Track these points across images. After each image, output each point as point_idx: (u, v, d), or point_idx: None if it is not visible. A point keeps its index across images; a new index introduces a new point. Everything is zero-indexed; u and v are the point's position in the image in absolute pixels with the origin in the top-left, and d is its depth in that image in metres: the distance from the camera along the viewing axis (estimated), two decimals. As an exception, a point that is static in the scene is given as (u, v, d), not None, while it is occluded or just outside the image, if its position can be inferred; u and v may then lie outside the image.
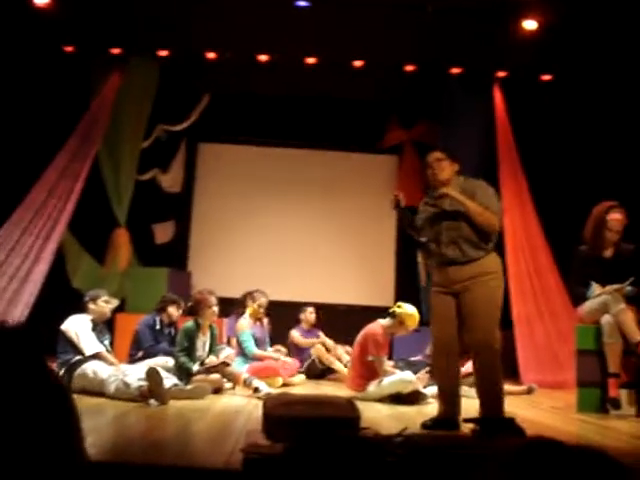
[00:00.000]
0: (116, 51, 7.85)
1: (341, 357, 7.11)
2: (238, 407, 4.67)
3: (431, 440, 2.53)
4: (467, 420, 3.25)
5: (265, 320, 6.86)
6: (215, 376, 5.36)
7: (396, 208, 4.17)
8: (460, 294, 3.83)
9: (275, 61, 7.80)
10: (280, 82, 8.32)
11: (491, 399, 3.77)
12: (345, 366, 6.79)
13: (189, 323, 5.62)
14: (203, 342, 5.64)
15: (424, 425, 3.77)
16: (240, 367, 5.96)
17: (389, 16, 6.82)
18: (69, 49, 7.80)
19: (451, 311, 3.87)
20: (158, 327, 6.02)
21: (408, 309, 5.61)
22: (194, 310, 5.67)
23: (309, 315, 7.55)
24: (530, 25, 6.80)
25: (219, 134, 9.37)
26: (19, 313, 6.81)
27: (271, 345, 6.89)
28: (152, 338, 5.94)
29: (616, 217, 5.07)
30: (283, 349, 7.01)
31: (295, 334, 7.42)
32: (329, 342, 7.28)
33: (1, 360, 0.71)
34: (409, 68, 7.95)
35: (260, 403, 4.68)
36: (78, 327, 5.44)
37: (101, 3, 6.82)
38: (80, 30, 7.42)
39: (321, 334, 7.54)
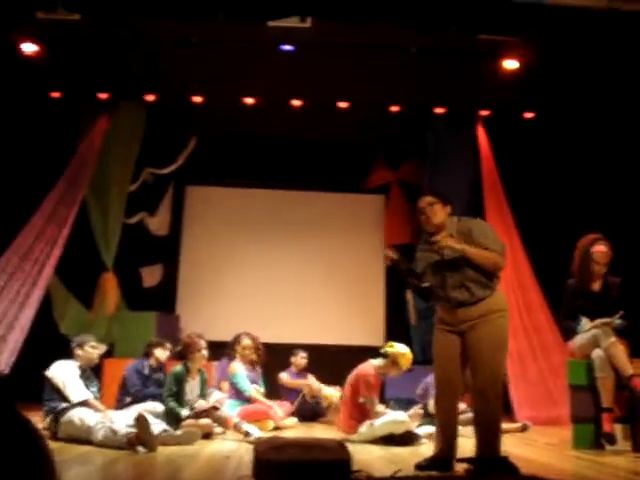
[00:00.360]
0: (103, 96, 7.92)
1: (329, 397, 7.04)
2: (229, 452, 4.58)
3: (425, 481, 2.48)
4: (461, 460, 3.20)
5: (258, 367, 6.76)
6: (205, 421, 5.27)
7: (392, 263, 4.11)
8: (466, 333, 3.79)
9: (261, 104, 7.90)
10: (266, 124, 8.40)
11: (490, 438, 3.73)
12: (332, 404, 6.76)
13: (178, 367, 5.54)
14: (192, 386, 5.56)
15: (418, 466, 3.71)
16: (231, 411, 5.86)
17: (373, 58, 6.93)
18: (56, 95, 7.86)
19: (455, 350, 3.82)
20: (147, 372, 5.93)
21: (400, 349, 5.56)
22: (183, 354, 5.60)
23: (300, 359, 7.48)
24: (511, 65, 6.93)
25: (206, 176, 9.41)
26: (5, 360, 6.70)
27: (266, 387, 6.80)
28: (140, 383, 5.85)
29: (601, 249, 5.10)
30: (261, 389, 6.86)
31: (284, 376, 7.34)
32: (316, 384, 7.18)
33: None
34: (394, 109, 8.06)
35: (251, 447, 4.62)
36: (65, 374, 5.35)
37: (89, 50, 6.88)
38: (67, 76, 7.48)
39: (310, 376, 7.48)
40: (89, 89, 7.82)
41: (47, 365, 5.84)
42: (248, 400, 6.25)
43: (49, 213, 7.42)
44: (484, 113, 8.17)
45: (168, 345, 6.07)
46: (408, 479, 2.46)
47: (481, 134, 8.16)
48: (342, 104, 7.95)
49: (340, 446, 2.67)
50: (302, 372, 7.48)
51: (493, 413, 3.72)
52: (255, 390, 6.45)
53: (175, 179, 9.24)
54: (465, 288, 3.78)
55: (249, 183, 9.51)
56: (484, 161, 8.05)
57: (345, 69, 7.11)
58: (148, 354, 6.06)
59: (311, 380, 7.30)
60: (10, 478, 0.67)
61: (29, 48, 6.80)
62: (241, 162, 9.19)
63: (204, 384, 5.67)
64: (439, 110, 8.17)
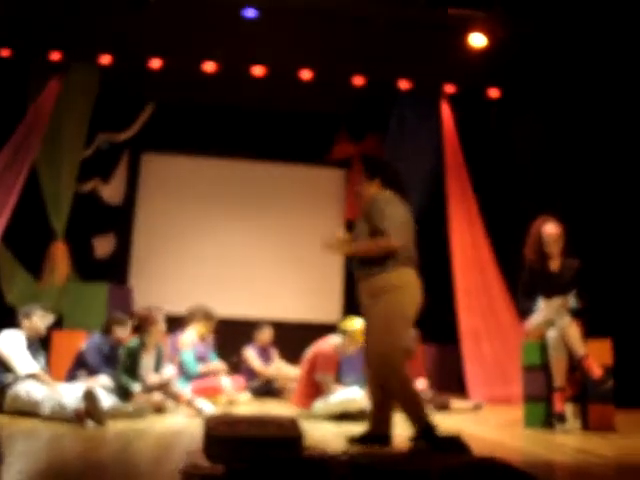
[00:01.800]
0: (56, 56, 7.58)
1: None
2: (180, 427, 4.52)
3: (375, 458, 2.46)
4: (414, 438, 3.19)
5: (209, 339, 6.65)
6: (157, 396, 5.14)
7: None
8: (367, 309, 3.79)
9: (221, 71, 7.67)
10: (227, 93, 8.23)
11: (382, 416, 3.76)
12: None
13: (133, 341, 5.39)
14: (147, 361, 5.40)
15: (353, 440, 3.71)
16: (183, 386, 5.75)
17: (339, 28, 6.82)
18: (5, 53, 7.50)
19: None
20: (106, 350, 5.68)
21: (357, 324, 5.51)
22: (139, 328, 5.44)
23: (264, 335, 7.41)
24: (478, 40, 6.87)
25: (163, 145, 9.16)
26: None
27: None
28: (99, 359, 5.61)
29: (550, 230, 5.13)
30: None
31: (251, 353, 7.26)
32: (284, 369, 7.12)
33: None
34: (358, 81, 7.92)
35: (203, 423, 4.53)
36: (11, 345, 5.15)
37: (40, 6, 6.57)
38: (17, 33, 7.16)
39: (273, 351, 7.44)
40: (40, 48, 7.50)
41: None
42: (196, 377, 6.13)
43: (-4, 178, 7.12)
44: (450, 89, 8.09)
45: (128, 322, 5.83)
46: (359, 456, 2.42)
47: (445, 110, 8.10)
48: (305, 73, 7.78)
49: (292, 423, 2.61)
50: (266, 347, 7.42)
51: (394, 391, 3.67)
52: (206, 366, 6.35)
53: (131, 146, 8.98)
54: (360, 263, 3.76)
55: (208, 152, 9.31)
56: (447, 138, 8.01)
57: (310, 37, 6.99)
58: (108, 330, 5.82)
59: (277, 364, 7.28)
60: None
61: (-23, 2, 6.46)
62: (200, 131, 8.98)
63: (160, 359, 5.53)
64: (404, 84, 8.06)
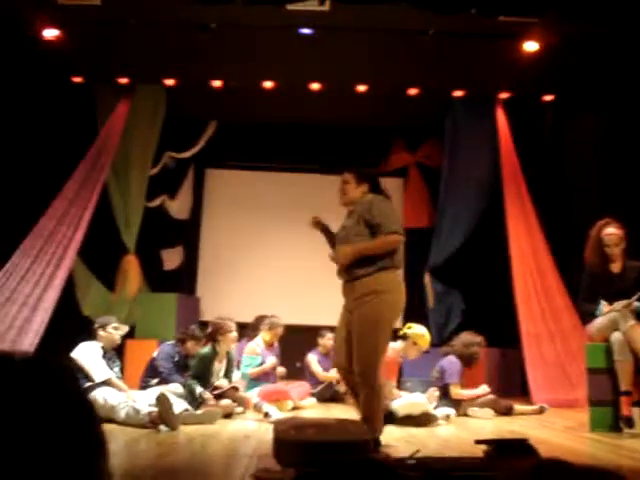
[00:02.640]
0: (123, 80, 7.97)
1: None
2: (248, 432, 4.66)
3: (444, 463, 2.51)
4: (479, 442, 3.24)
5: (275, 347, 6.85)
6: (226, 401, 5.36)
7: (316, 227, 4.23)
8: (352, 312, 3.82)
9: (280, 88, 7.90)
10: (285, 109, 8.42)
11: (368, 418, 3.70)
12: None
13: (206, 349, 5.62)
14: (219, 369, 5.65)
15: None
16: (250, 391, 5.96)
17: (391, 41, 6.90)
18: (77, 79, 7.94)
19: (344, 328, 3.88)
20: (177, 359, 5.96)
21: (419, 330, 5.62)
22: (212, 336, 5.69)
23: (327, 341, 7.54)
24: (531, 46, 6.87)
25: (226, 160, 9.46)
26: (30, 341, 6.83)
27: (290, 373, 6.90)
28: (171, 367, 5.89)
29: (610, 232, 5.07)
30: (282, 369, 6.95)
31: (312, 359, 7.39)
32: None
33: (44, 387, 0.73)
34: (412, 92, 8.03)
35: (271, 427, 4.71)
36: (88, 354, 5.46)
37: (109, 34, 6.92)
38: (88, 61, 7.55)
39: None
40: (109, 73, 7.88)
41: (70, 346, 5.95)
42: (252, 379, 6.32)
43: (71, 196, 7.52)
44: (504, 96, 8.11)
45: (202, 341, 6.01)
46: (428, 459, 2.49)
47: (500, 117, 8.11)
48: (360, 87, 7.93)
49: (360, 426, 2.71)
50: (329, 353, 7.55)
51: (370, 394, 3.69)
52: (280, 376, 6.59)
53: (195, 163, 9.31)
54: (346, 266, 3.80)
55: (268, 167, 9.54)
56: (503, 144, 8.01)
57: (363, 52, 7.09)
58: (182, 342, 6.08)
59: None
60: (70, 464, 0.72)
61: (50, 33, 6.86)
62: (260, 146, 9.23)
63: (231, 366, 5.76)
64: (458, 93, 8.13)
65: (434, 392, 5.61)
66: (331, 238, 4.19)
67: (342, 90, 7.94)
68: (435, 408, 5.50)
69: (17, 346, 6.73)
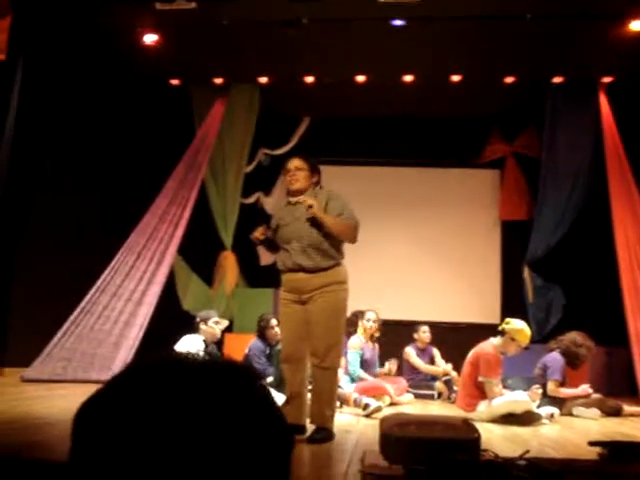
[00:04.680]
0: (219, 80, 8.17)
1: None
2: (348, 426, 4.68)
3: (557, 464, 2.42)
4: (593, 443, 3.11)
5: (376, 344, 6.84)
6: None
7: (259, 244, 4.16)
8: (307, 303, 3.82)
9: (373, 81, 7.86)
10: (378, 102, 8.38)
11: (322, 409, 3.80)
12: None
13: None
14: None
15: None
16: (347, 386, 5.98)
17: (486, 28, 6.70)
18: (175, 82, 8.21)
19: (298, 320, 3.87)
20: (268, 352, 6.08)
21: (517, 324, 5.46)
22: None
23: (422, 334, 7.49)
24: (636, 26, 6.51)
25: (319, 156, 9.47)
26: (134, 334, 7.14)
27: (381, 365, 6.88)
28: (265, 361, 6.00)
29: None
30: (394, 364, 6.93)
31: (411, 352, 7.37)
32: (449, 370, 7.17)
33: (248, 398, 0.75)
34: (509, 80, 7.80)
35: (370, 422, 4.70)
36: (190, 348, 5.64)
37: (204, 36, 7.10)
38: (185, 63, 7.78)
39: (435, 351, 7.50)
40: (205, 75, 8.10)
41: (171, 339, 6.18)
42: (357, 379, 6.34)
43: (171, 195, 7.79)
44: (606, 80, 7.73)
45: (274, 322, 6.15)
46: (540, 460, 2.41)
47: (603, 103, 7.74)
48: (455, 77, 7.77)
49: (467, 424, 2.66)
50: (427, 346, 7.51)
51: (327, 384, 3.77)
52: (389, 372, 6.61)
53: (289, 159, 9.39)
54: (308, 255, 3.81)
55: (361, 161, 9.53)
56: (606, 131, 7.64)
57: (457, 41, 6.94)
58: (261, 334, 6.20)
59: (439, 360, 7.37)
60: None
61: (150, 38, 7.12)
62: (354, 141, 9.23)
63: None
64: (557, 79, 7.82)
65: (537, 390, 5.43)
66: (270, 244, 4.15)
67: (436, 81, 7.82)
68: (538, 407, 5.33)
69: (123, 340, 7.05)
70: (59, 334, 6.81)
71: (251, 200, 9.06)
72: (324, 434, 3.75)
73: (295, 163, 4.04)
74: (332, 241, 3.90)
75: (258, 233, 3.92)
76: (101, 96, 7.75)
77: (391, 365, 6.80)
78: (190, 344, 5.93)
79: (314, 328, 3.82)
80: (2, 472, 2.27)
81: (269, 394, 0.78)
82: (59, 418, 4.06)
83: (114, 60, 7.51)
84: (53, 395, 5.47)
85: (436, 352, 7.53)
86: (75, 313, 6.96)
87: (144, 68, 7.73)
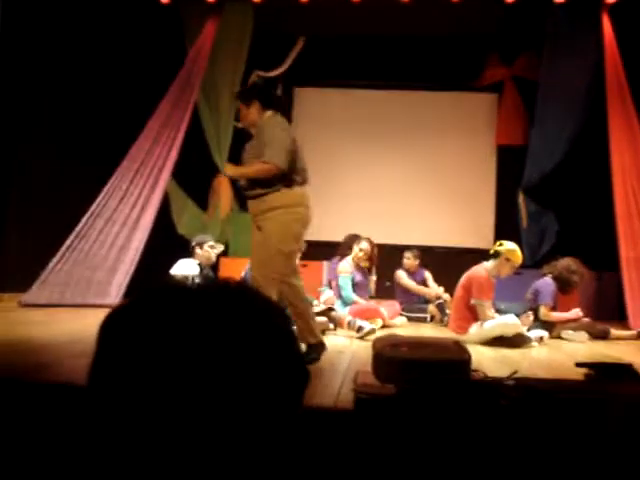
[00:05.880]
0: (210, -1, 7.89)
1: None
2: (341, 348, 4.78)
3: (545, 384, 2.50)
4: (580, 365, 3.20)
5: (374, 277, 6.89)
6: (321, 319, 5.49)
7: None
8: (260, 228, 3.91)
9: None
10: (374, 21, 8.12)
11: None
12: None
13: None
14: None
15: None
16: (341, 309, 6.07)
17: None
18: (165, 0, 7.92)
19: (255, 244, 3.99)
20: None
21: (510, 245, 5.54)
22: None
23: (407, 260, 7.57)
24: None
25: (315, 78, 9.33)
26: (130, 258, 7.17)
27: (376, 294, 6.98)
28: None
29: None
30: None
31: (402, 274, 7.46)
32: (441, 293, 7.26)
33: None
34: (509, -1, 7.56)
35: (363, 344, 4.80)
36: (185, 271, 5.69)
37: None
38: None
39: (427, 274, 7.58)
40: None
41: (167, 264, 6.22)
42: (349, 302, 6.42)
43: (164, 117, 7.63)
44: (610, 1, 7.50)
45: None
46: (528, 380, 2.48)
47: (606, 24, 7.52)
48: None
49: (458, 346, 2.72)
50: (415, 271, 7.59)
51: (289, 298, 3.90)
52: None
53: (283, 81, 9.23)
54: (249, 183, 3.87)
55: (358, 84, 9.35)
56: (608, 55, 7.45)
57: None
58: None
59: (432, 283, 7.45)
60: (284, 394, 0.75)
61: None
62: (349, 62, 9.01)
63: None
64: (559, -1, 7.58)
65: (529, 316, 5.54)
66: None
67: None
68: (528, 330, 5.45)
69: (119, 264, 7.09)
70: (55, 259, 6.83)
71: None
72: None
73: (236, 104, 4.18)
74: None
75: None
76: (88, 15, 7.49)
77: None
78: (185, 268, 5.99)
79: (254, 253, 3.95)
80: (6, 393, 2.32)
81: (291, 328, 0.79)
82: (60, 340, 4.13)
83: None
84: (52, 319, 5.54)
85: (428, 275, 7.61)
86: (70, 238, 6.94)
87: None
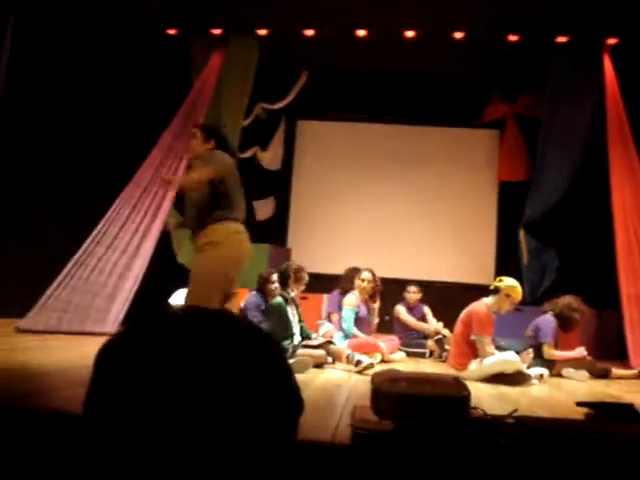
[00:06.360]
0: (217, 31, 8.01)
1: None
2: (340, 381, 4.73)
3: (545, 423, 2.46)
4: (580, 404, 3.16)
5: (377, 304, 6.87)
6: (319, 352, 5.45)
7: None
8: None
9: (373, 36, 7.71)
10: (378, 58, 8.24)
11: None
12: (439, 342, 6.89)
13: (277, 299, 5.73)
14: (292, 314, 5.77)
15: None
16: (340, 342, 6.03)
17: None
18: (172, 32, 8.04)
19: None
20: (263, 307, 6.11)
21: (511, 281, 5.52)
22: (285, 279, 5.82)
23: (412, 294, 7.54)
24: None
25: (318, 111, 9.42)
26: (129, 287, 7.13)
27: (378, 327, 6.96)
28: (260, 315, 6.04)
29: None
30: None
31: (401, 309, 7.43)
32: (440, 329, 7.20)
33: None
34: (512, 38, 7.66)
35: (361, 379, 4.76)
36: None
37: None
38: (183, 13, 7.61)
39: (426, 309, 7.54)
40: (203, 25, 7.93)
41: (165, 292, 6.18)
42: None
43: (167, 147, 7.69)
44: (611, 42, 7.60)
45: (275, 277, 6.18)
46: (528, 419, 2.44)
47: (607, 65, 7.62)
48: (457, 34, 7.63)
49: (457, 382, 2.69)
50: (417, 304, 7.56)
51: None
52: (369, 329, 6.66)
53: (287, 114, 9.31)
54: (192, 218, 4.04)
55: (360, 117, 9.44)
56: (609, 95, 7.53)
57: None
58: (261, 288, 6.23)
59: (431, 318, 7.41)
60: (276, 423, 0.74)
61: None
62: (353, 96, 9.12)
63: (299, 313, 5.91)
64: (561, 38, 7.68)
65: (529, 353, 5.50)
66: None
67: (438, 37, 7.66)
68: (528, 367, 5.40)
69: (118, 292, 7.06)
70: (54, 285, 6.80)
71: (248, 154, 8.99)
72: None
73: (192, 131, 4.29)
74: (205, 202, 4.01)
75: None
76: (97, 46, 7.60)
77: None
78: (184, 298, 5.94)
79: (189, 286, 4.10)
80: (1, 420, 2.28)
81: (283, 357, 0.79)
82: (56, 368, 4.09)
83: (111, 9, 7.32)
84: (48, 346, 5.50)
85: (427, 310, 7.58)
86: (70, 265, 6.93)
87: (141, 17, 7.55)
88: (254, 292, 6.23)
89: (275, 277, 6.06)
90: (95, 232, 7.13)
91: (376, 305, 6.86)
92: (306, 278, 5.90)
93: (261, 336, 0.79)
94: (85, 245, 7.03)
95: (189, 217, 4.13)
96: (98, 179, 7.69)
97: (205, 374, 0.70)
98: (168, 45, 8.16)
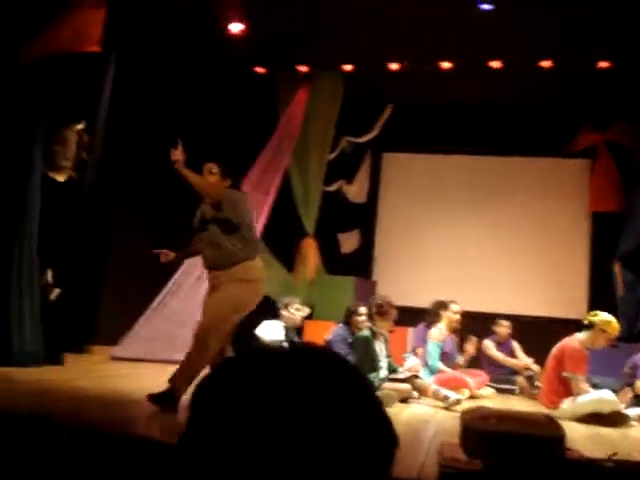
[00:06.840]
0: (303, 68, 8.21)
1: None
2: (426, 416, 4.66)
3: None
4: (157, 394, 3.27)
5: (454, 336, 6.76)
6: (405, 386, 5.38)
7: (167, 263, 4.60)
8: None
9: (458, 67, 7.69)
10: (464, 88, 8.19)
11: (177, 371, 3.97)
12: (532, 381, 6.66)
13: (364, 332, 5.69)
14: (380, 348, 5.71)
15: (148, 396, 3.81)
16: (426, 377, 5.93)
17: (578, 10, 6.39)
18: (261, 70, 8.30)
19: None
20: (350, 340, 6.09)
21: (606, 316, 5.28)
22: (374, 314, 5.78)
23: (503, 328, 7.35)
24: None
25: (403, 144, 9.43)
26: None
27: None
28: (346, 348, 6.02)
29: None
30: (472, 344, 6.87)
31: (490, 344, 7.25)
32: (530, 364, 6.98)
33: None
34: (603, 65, 7.44)
35: (448, 414, 4.66)
36: (271, 334, 5.73)
37: (289, 25, 7.13)
38: (270, 52, 7.84)
39: (515, 344, 7.33)
40: (290, 63, 8.15)
41: (250, 322, 6.27)
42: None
43: (255, 181, 7.90)
44: None
45: (363, 310, 6.15)
46: (630, 464, 2.30)
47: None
48: (544, 63, 7.48)
49: (551, 421, 2.58)
50: (505, 341, 7.36)
51: (190, 357, 3.97)
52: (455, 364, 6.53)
53: (372, 147, 9.38)
54: (213, 247, 4.11)
55: (446, 149, 9.38)
56: None
57: (547, 25, 6.65)
58: (348, 321, 6.21)
59: (520, 354, 7.20)
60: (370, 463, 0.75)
61: (236, 28, 7.22)
62: (438, 128, 9.08)
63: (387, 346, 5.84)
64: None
65: (627, 392, 5.22)
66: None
67: (524, 67, 7.53)
68: (626, 408, 5.13)
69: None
70: (146, 314, 7.06)
71: (333, 188, 9.10)
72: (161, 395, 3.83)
73: (208, 166, 4.41)
74: (228, 240, 4.10)
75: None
76: (189, 85, 7.93)
77: (468, 346, 6.72)
78: (270, 330, 6.03)
79: (203, 309, 4.20)
80: (94, 445, 2.38)
81: (374, 390, 0.80)
82: (143, 395, 4.22)
83: (203, 50, 7.64)
84: (137, 374, 5.69)
85: (516, 345, 7.36)
86: (161, 295, 7.18)
87: (230, 57, 7.84)
88: (341, 324, 6.21)
89: (363, 310, 6.03)
90: (185, 264, 7.34)
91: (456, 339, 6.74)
92: (394, 314, 5.82)
93: (352, 370, 0.79)
94: (176, 276, 7.26)
95: (211, 258, 4.20)
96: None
97: (301, 411, 0.71)
98: (256, 83, 8.41)
